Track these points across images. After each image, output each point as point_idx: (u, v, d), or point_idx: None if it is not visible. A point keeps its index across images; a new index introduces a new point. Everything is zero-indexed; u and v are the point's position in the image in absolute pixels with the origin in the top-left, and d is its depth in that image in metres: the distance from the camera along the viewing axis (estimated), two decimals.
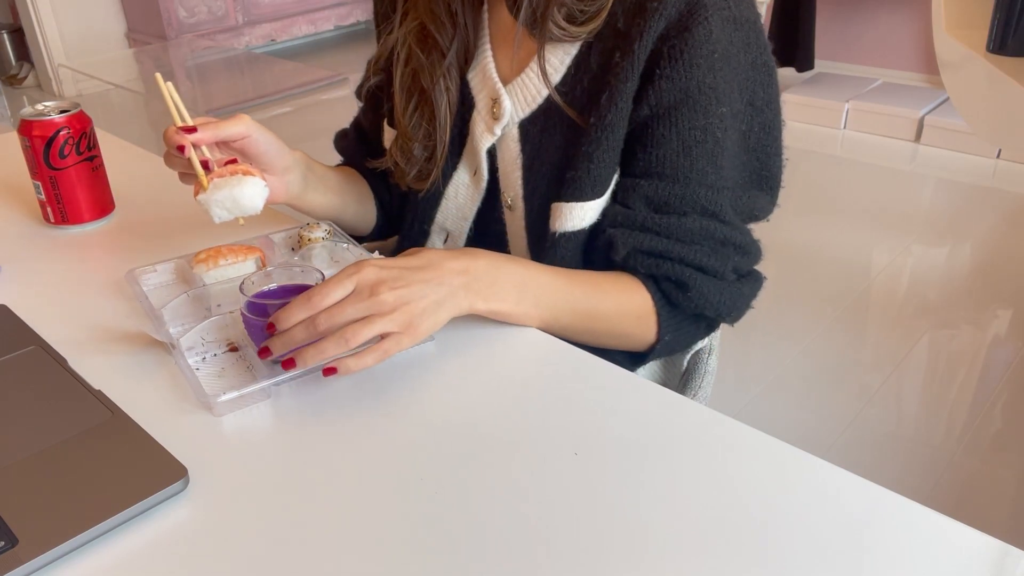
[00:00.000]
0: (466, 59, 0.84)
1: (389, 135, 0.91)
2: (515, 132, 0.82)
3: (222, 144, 0.77)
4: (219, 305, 0.76)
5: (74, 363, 0.68)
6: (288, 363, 0.63)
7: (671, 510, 0.53)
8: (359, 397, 0.65)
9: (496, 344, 0.71)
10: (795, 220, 2.60)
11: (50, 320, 0.75)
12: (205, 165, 0.74)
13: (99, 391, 0.64)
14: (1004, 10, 1.61)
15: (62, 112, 0.89)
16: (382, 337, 0.64)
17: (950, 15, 1.82)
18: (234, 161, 0.77)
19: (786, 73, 3.62)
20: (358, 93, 0.97)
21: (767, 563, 0.49)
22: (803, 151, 3.17)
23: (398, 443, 0.60)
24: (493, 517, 0.53)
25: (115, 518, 0.52)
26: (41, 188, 0.91)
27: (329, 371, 0.64)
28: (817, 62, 3.60)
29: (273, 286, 0.71)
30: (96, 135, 0.93)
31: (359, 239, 0.97)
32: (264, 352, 0.64)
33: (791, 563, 0.49)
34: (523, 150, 0.81)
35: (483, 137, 0.83)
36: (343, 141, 1.01)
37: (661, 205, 0.75)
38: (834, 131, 3.32)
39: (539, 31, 0.75)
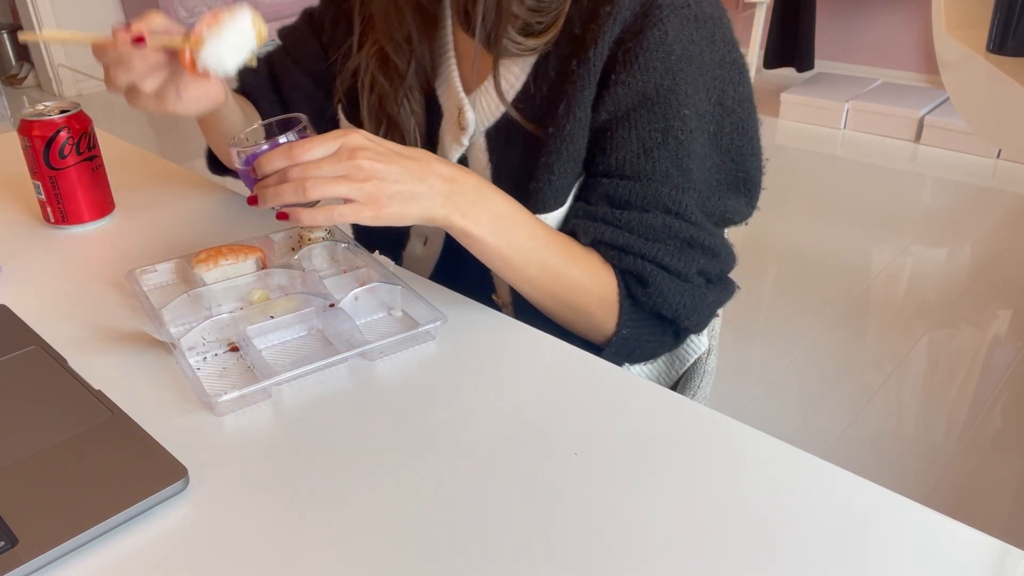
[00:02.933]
0: (427, 78, 0.84)
1: (345, 124, 0.92)
2: (482, 142, 0.81)
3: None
4: (220, 305, 0.76)
5: (74, 363, 0.68)
6: (252, 200, 0.66)
7: (671, 510, 0.53)
8: (359, 397, 0.65)
9: (496, 345, 0.71)
10: (795, 220, 2.60)
11: (50, 320, 0.75)
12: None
13: (99, 391, 0.64)
14: (1004, 10, 1.61)
15: (62, 112, 0.89)
16: (346, 203, 0.65)
17: (950, 15, 1.82)
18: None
19: (786, 73, 3.62)
20: (282, 35, 0.97)
21: (767, 563, 0.49)
22: (803, 151, 3.17)
23: (398, 443, 0.60)
24: (493, 517, 0.53)
25: (115, 518, 0.52)
26: (41, 188, 0.91)
27: (281, 216, 0.66)
28: (817, 62, 3.61)
29: (265, 145, 0.70)
30: (96, 135, 0.93)
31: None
32: (251, 198, 0.67)
33: (791, 563, 0.49)
34: (491, 160, 0.81)
35: (451, 148, 0.83)
36: (251, 75, 0.97)
37: (622, 202, 0.73)
38: (834, 131, 3.32)
39: (494, 48, 0.74)
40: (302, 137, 0.69)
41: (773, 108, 3.49)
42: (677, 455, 0.58)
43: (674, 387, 0.93)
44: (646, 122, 0.71)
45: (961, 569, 0.49)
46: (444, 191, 0.67)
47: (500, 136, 0.79)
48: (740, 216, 0.78)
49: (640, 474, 0.56)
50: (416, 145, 0.84)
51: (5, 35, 4.14)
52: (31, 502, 0.53)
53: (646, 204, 0.73)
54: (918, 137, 3.16)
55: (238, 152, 0.69)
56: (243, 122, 0.90)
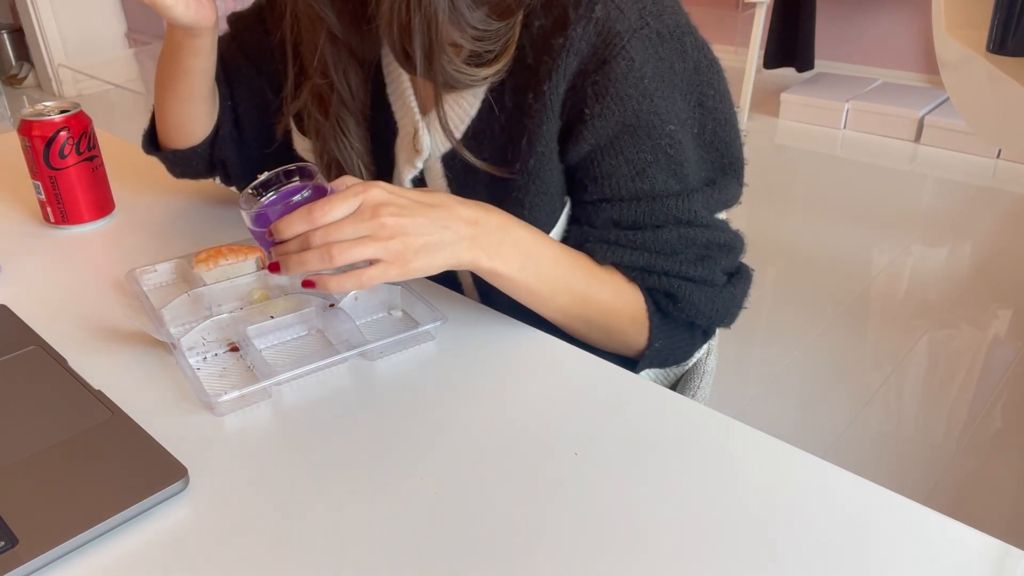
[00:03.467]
0: (362, 105, 0.79)
1: (300, 141, 0.87)
2: (439, 167, 0.77)
3: None
4: (220, 305, 0.76)
5: (74, 363, 0.68)
6: (273, 267, 0.63)
7: (671, 509, 0.53)
8: (359, 397, 0.65)
9: (496, 344, 0.71)
10: (795, 220, 2.60)
11: (50, 320, 0.75)
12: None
13: (99, 391, 0.64)
14: (1004, 10, 1.61)
15: (62, 112, 0.89)
16: (371, 263, 0.62)
17: (950, 15, 1.82)
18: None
19: (786, 73, 3.62)
20: (232, 22, 0.91)
21: (767, 562, 0.49)
22: (803, 151, 3.17)
23: (398, 442, 0.60)
24: (493, 516, 0.53)
25: (115, 518, 0.52)
26: (41, 188, 0.91)
27: (307, 284, 0.63)
28: (817, 62, 3.61)
29: (273, 195, 0.67)
30: (96, 135, 0.93)
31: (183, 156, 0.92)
32: (268, 258, 0.64)
33: (791, 562, 0.49)
34: (449, 187, 0.77)
35: (405, 168, 0.79)
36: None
37: (631, 224, 0.72)
38: (834, 131, 3.32)
39: (437, 82, 0.69)
40: (316, 190, 0.65)
41: (773, 108, 3.49)
42: (676, 455, 0.58)
43: (673, 387, 0.93)
44: (632, 147, 0.69)
45: (961, 569, 0.49)
46: (469, 235, 0.65)
47: (458, 163, 0.76)
48: (735, 197, 0.76)
49: (640, 473, 0.56)
50: (368, 172, 0.81)
51: (5, 35, 4.14)
52: (31, 502, 0.53)
53: (656, 220, 0.71)
54: (918, 137, 3.16)
55: (248, 211, 0.66)
56: (208, 93, 0.85)
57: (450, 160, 0.77)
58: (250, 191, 0.67)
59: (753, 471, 0.56)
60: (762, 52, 3.54)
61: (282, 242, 0.62)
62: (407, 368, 0.68)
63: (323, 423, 0.62)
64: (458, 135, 0.74)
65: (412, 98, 0.77)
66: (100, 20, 4.09)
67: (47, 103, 0.91)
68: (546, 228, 0.75)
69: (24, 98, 4.06)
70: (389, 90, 0.79)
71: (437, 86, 0.69)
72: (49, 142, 0.88)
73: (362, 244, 0.61)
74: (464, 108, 0.73)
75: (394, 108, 0.79)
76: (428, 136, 0.76)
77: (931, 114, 3.12)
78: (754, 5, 3.23)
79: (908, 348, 1.97)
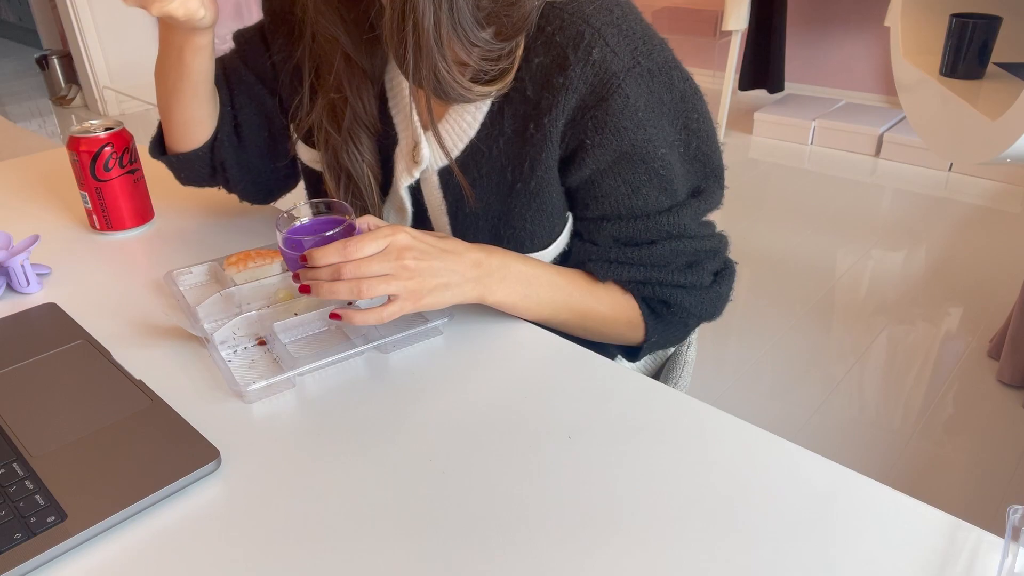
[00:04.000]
0: (373, 121, 0.78)
1: (305, 151, 0.85)
2: (435, 179, 0.76)
3: None
4: (249, 303, 0.76)
5: (118, 355, 0.68)
6: (304, 288, 0.64)
7: (655, 487, 0.53)
8: (375, 386, 0.65)
9: (498, 339, 0.71)
10: (767, 227, 2.60)
11: (96, 317, 0.75)
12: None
13: (140, 381, 0.64)
14: (955, 38, 1.61)
15: (107, 130, 0.89)
16: (389, 298, 0.64)
17: (907, 42, 1.82)
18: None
19: (758, 94, 3.62)
20: (237, 38, 0.87)
21: (741, 535, 0.49)
22: (774, 165, 3.16)
23: (410, 427, 0.60)
24: (495, 493, 0.53)
25: (155, 495, 0.52)
26: (88, 198, 0.91)
27: (335, 316, 0.64)
28: (787, 84, 3.61)
29: (306, 220, 0.69)
30: (137, 150, 0.93)
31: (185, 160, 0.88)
32: (296, 278, 0.65)
33: (763, 535, 0.49)
34: (446, 197, 0.77)
35: (402, 176, 0.78)
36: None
37: (628, 240, 0.73)
38: (802, 147, 3.32)
39: (440, 92, 0.67)
40: (347, 227, 0.66)
41: (747, 126, 3.49)
42: (660, 438, 0.58)
43: (656, 376, 0.93)
44: (628, 170, 0.70)
45: (917, 541, 0.49)
46: (473, 276, 0.67)
47: (454, 179, 0.75)
48: (718, 200, 0.77)
49: (627, 455, 0.56)
50: (372, 189, 0.79)
51: (56, 60, 4.14)
52: (79, 481, 0.53)
53: (650, 236, 0.72)
54: (878, 152, 3.16)
55: (281, 233, 0.66)
56: (210, 94, 0.82)
57: (447, 175, 0.76)
58: (286, 215, 0.68)
59: (729, 453, 0.56)
60: (737, 75, 3.54)
61: (314, 268, 0.63)
62: (417, 360, 0.68)
63: (342, 410, 0.62)
64: (456, 153, 0.74)
65: (414, 113, 0.76)
66: (141, 46, 4.09)
67: (93, 121, 0.90)
68: (548, 240, 0.75)
69: (72, 117, 4.06)
70: (391, 104, 0.79)
71: (427, 90, 0.67)
72: (95, 157, 0.88)
73: (385, 282, 0.63)
74: (463, 128, 0.73)
75: (395, 121, 0.79)
76: (428, 150, 0.76)
77: (890, 131, 3.12)
78: (730, 34, 3.23)
79: (869, 342, 1.97)
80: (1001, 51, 1.68)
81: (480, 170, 0.74)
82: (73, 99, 4.20)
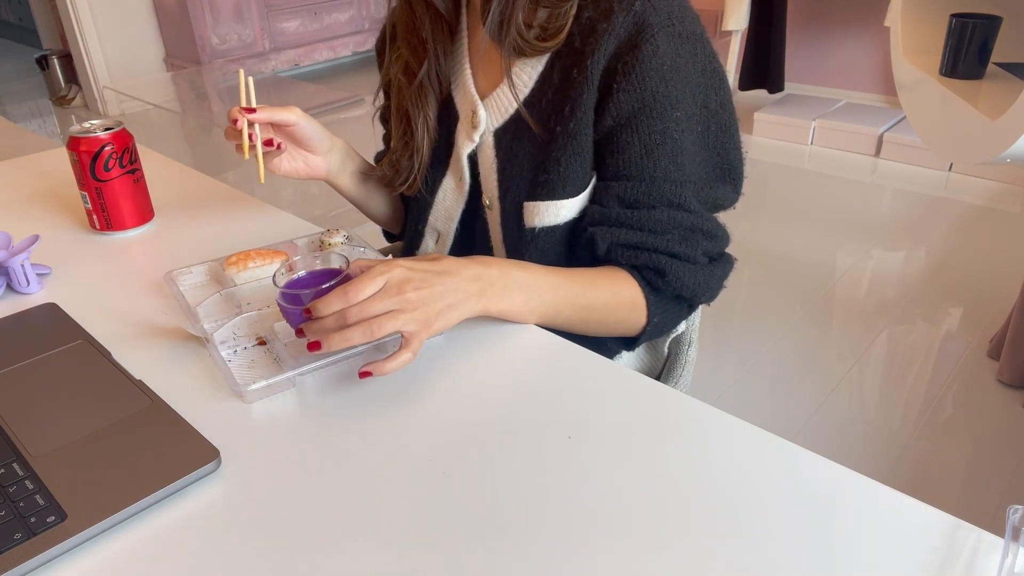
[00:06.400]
0: (441, 82, 0.86)
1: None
2: (490, 140, 0.83)
3: (276, 127, 0.84)
4: (249, 303, 0.76)
5: (118, 355, 0.68)
6: (314, 345, 0.63)
7: (655, 487, 0.53)
8: (375, 387, 0.65)
9: (499, 341, 0.71)
10: (767, 227, 2.60)
11: (96, 317, 0.75)
12: (251, 139, 0.81)
13: (140, 381, 0.64)
14: (955, 38, 1.61)
15: (107, 129, 0.89)
16: (402, 335, 0.64)
17: (907, 42, 1.82)
18: (269, 143, 0.83)
19: (758, 94, 3.62)
20: (382, 119, 1.00)
21: (741, 535, 0.49)
22: (774, 165, 3.17)
23: (410, 428, 0.60)
24: (495, 494, 0.53)
25: (155, 495, 0.52)
26: (88, 198, 0.91)
27: (364, 374, 0.63)
28: (787, 84, 3.61)
29: (303, 273, 0.70)
30: (137, 150, 0.93)
31: (389, 235, 1.07)
32: (299, 333, 0.64)
33: (762, 535, 0.49)
34: (497, 155, 0.83)
35: (464, 145, 0.85)
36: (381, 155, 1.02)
37: (631, 202, 0.76)
38: (802, 147, 3.32)
39: (505, 39, 0.76)
40: (344, 277, 0.67)
41: (747, 126, 3.49)
42: (659, 438, 0.58)
43: (657, 376, 0.93)
44: (646, 125, 0.73)
45: (917, 541, 0.49)
46: (475, 290, 0.68)
47: (507, 135, 0.81)
48: (729, 201, 0.80)
49: (627, 455, 0.56)
50: (423, 141, 0.87)
51: (56, 60, 4.14)
52: (79, 481, 0.53)
53: (652, 201, 0.75)
54: (878, 152, 3.16)
55: (279, 287, 0.67)
56: (363, 189, 0.96)
57: (500, 133, 0.82)
58: (282, 269, 0.68)
59: (728, 453, 0.56)
60: (737, 75, 3.54)
61: (319, 319, 0.63)
62: (418, 360, 0.68)
63: (342, 410, 0.62)
64: (521, 99, 0.80)
65: (472, 86, 0.84)
66: (141, 46, 4.09)
67: (93, 121, 0.91)
68: (577, 190, 0.78)
69: (72, 117, 4.05)
70: (453, 87, 0.86)
71: (505, 44, 0.76)
72: (95, 156, 0.88)
73: (394, 318, 0.63)
74: (524, 80, 0.79)
75: (456, 99, 0.86)
76: (485, 114, 0.83)
77: (890, 131, 3.12)
78: (730, 34, 3.23)
79: (869, 342, 1.97)
80: (1001, 51, 1.68)
81: (536, 116, 0.79)
82: (73, 99, 4.19)
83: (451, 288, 0.67)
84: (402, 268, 0.65)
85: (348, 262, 0.68)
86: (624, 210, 0.76)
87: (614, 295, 0.77)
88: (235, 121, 0.80)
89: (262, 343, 0.71)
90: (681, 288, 0.77)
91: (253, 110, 0.80)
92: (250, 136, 0.80)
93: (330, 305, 0.63)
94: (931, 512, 0.51)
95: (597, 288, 0.76)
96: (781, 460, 0.56)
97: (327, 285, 0.65)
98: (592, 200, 0.79)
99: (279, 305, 0.66)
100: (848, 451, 1.61)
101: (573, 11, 0.75)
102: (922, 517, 0.51)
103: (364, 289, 0.63)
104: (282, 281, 0.67)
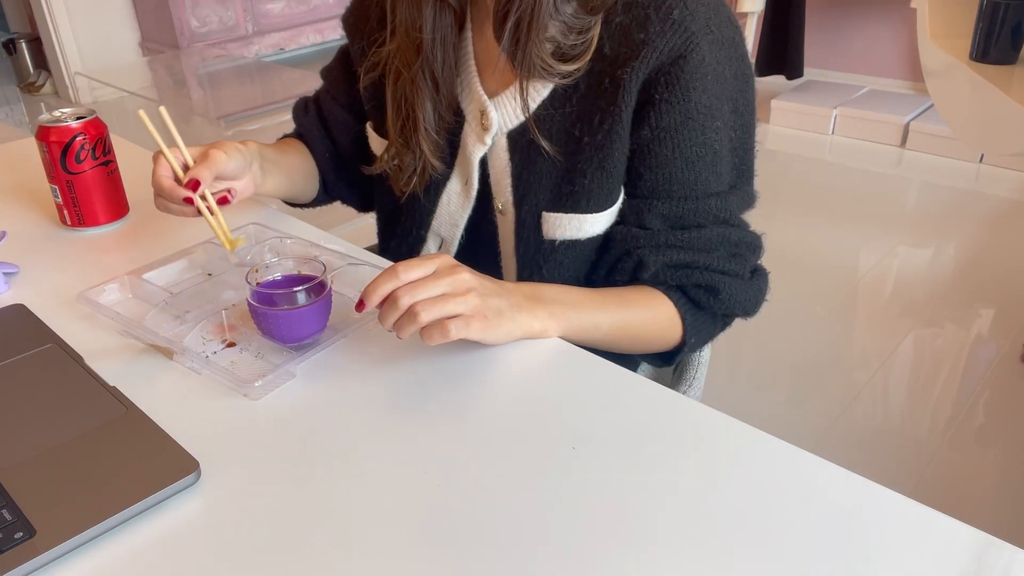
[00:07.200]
0: (438, 78, 0.84)
1: (376, 142, 0.92)
2: (504, 142, 0.82)
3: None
4: (188, 311, 0.75)
5: (90, 360, 0.68)
6: (359, 306, 0.66)
7: (665, 502, 0.53)
8: (367, 393, 0.65)
9: (500, 345, 0.71)
10: (785, 222, 2.60)
11: (67, 319, 0.75)
12: (203, 197, 0.79)
13: (114, 387, 0.64)
14: (986, 20, 1.61)
15: (78, 118, 0.89)
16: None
17: (934, 25, 1.82)
18: (225, 200, 0.82)
19: (776, 80, 3.62)
20: (323, 75, 0.99)
21: (757, 554, 0.49)
22: (793, 155, 3.17)
23: (405, 437, 0.60)
24: (495, 507, 0.53)
25: (129, 510, 0.52)
26: (58, 192, 0.91)
27: (361, 306, 0.66)
28: (806, 70, 3.61)
29: (279, 276, 0.71)
30: (111, 141, 0.93)
31: (302, 207, 1.07)
32: (359, 307, 0.66)
33: (780, 554, 0.49)
34: (512, 159, 0.82)
35: (475, 148, 0.84)
36: (303, 115, 1.01)
37: (677, 221, 0.77)
38: (823, 136, 3.32)
39: (521, 63, 0.74)
40: (319, 284, 0.69)
41: (764, 114, 3.49)
42: (669, 449, 0.58)
43: (668, 379, 0.93)
44: (687, 138, 0.74)
45: (946, 559, 0.49)
46: (528, 308, 0.70)
47: (523, 138, 0.81)
48: (753, 199, 0.82)
49: (635, 467, 0.56)
50: (426, 136, 0.85)
51: (24, 44, 4.14)
52: (48, 494, 0.53)
53: (700, 220, 0.77)
54: (904, 142, 3.16)
55: (251, 287, 0.69)
56: (288, 180, 0.94)
57: (516, 136, 0.81)
58: (256, 272, 0.70)
59: (744, 465, 0.56)
60: (753, 60, 3.54)
61: (391, 305, 0.65)
62: (414, 367, 0.68)
63: (330, 419, 0.62)
64: (533, 107, 0.79)
65: (479, 85, 0.83)
66: (115, 30, 4.09)
67: (64, 110, 0.91)
68: (604, 204, 0.78)
69: (42, 105, 4.06)
70: (457, 84, 0.85)
71: (522, 68, 0.74)
72: (66, 147, 0.88)
73: (443, 301, 0.65)
74: (537, 89, 0.78)
75: (461, 100, 0.85)
76: (496, 113, 0.82)
77: (916, 120, 3.12)
78: (745, 16, 3.23)
79: (894, 346, 1.97)
80: None
81: (553, 127, 0.78)
82: (42, 86, 4.19)
83: (505, 296, 0.69)
84: (450, 257, 0.68)
85: (324, 269, 0.70)
86: (672, 231, 0.77)
87: (648, 314, 0.78)
88: (189, 200, 0.78)
89: (231, 345, 0.71)
90: (733, 305, 0.79)
91: (197, 182, 0.77)
92: (197, 189, 0.78)
93: (381, 287, 0.65)
94: (961, 528, 0.51)
95: (631, 307, 0.78)
96: (800, 472, 0.56)
97: (300, 288, 0.67)
98: (630, 222, 0.79)
99: (249, 304, 0.68)
100: (872, 462, 1.61)
101: (598, 29, 0.74)
102: (951, 533, 0.51)
103: (414, 268, 0.65)
104: (255, 280, 0.69)
